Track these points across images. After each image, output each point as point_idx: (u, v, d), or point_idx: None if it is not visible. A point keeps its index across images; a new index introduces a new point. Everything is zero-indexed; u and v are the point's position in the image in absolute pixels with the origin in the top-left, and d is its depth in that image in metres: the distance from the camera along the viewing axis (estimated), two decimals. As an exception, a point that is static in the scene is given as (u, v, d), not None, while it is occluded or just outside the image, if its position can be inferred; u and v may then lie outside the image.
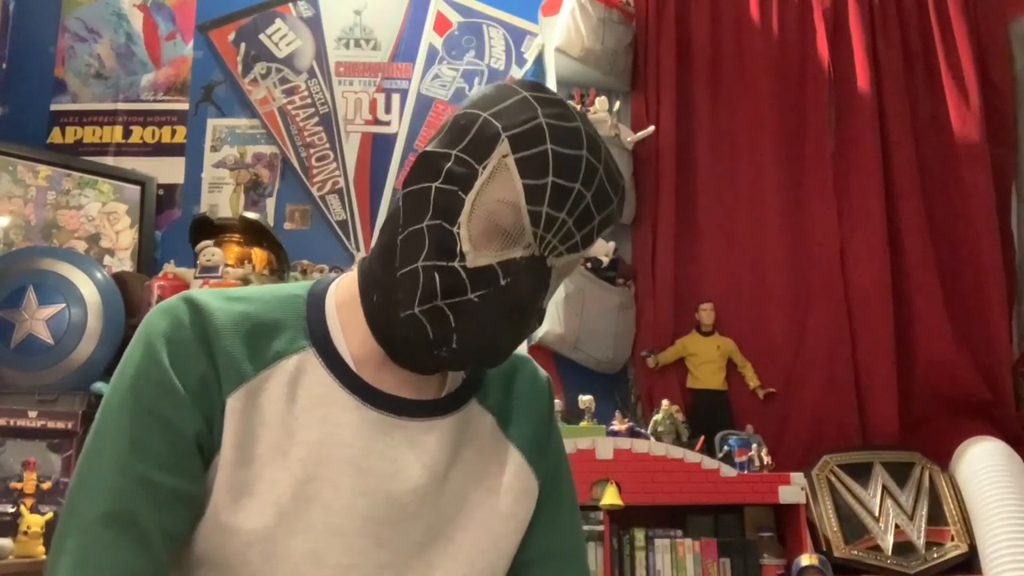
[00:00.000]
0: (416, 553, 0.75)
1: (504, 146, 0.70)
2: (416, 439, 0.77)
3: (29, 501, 1.82)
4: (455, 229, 0.71)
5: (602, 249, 2.47)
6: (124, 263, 2.49)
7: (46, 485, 1.87)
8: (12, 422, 1.91)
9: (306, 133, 2.68)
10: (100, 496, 0.67)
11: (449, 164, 0.72)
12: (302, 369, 0.75)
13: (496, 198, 0.70)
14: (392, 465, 0.75)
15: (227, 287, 2.03)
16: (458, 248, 0.70)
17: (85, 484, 0.69)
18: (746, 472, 2.09)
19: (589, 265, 2.42)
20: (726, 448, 2.18)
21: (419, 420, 0.78)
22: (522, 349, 2.47)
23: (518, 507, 0.82)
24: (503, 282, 0.70)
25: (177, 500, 0.69)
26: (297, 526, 0.70)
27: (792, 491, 2.06)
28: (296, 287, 0.82)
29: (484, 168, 0.71)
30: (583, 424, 2.22)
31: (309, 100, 2.71)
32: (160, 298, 2.05)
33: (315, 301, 0.80)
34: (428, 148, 0.75)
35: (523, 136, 0.70)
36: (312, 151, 2.66)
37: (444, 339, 0.71)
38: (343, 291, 0.80)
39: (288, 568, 0.69)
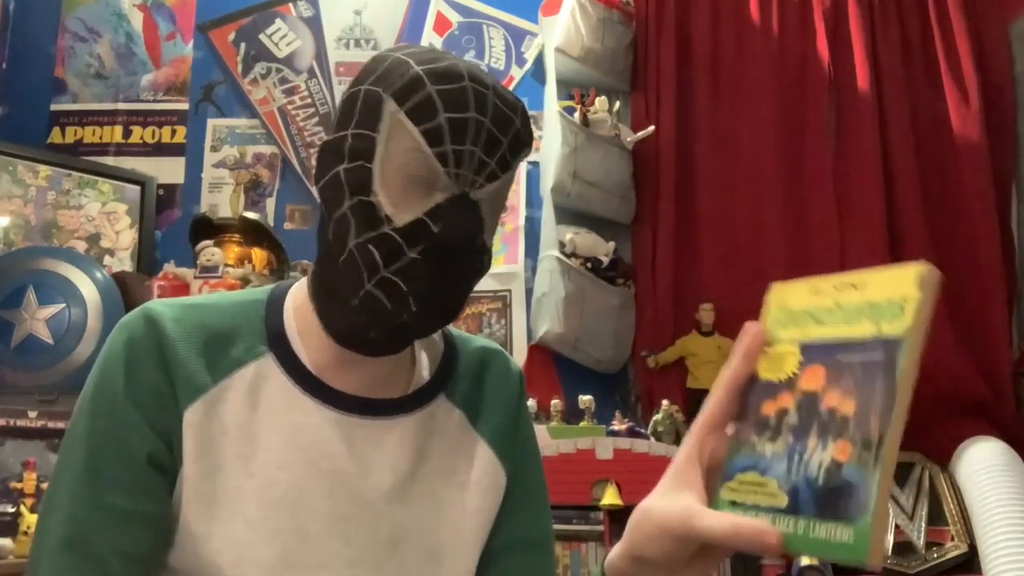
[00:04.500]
0: (386, 551, 0.75)
1: (391, 104, 0.71)
2: (379, 438, 0.77)
3: (29, 501, 1.82)
4: (372, 198, 0.70)
5: (602, 249, 2.47)
6: (124, 263, 2.48)
7: (46, 485, 1.87)
8: (12, 422, 1.91)
9: (306, 133, 2.68)
10: (59, 522, 0.69)
11: (348, 144, 0.73)
12: (261, 376, 0.76)
13: (400, 153, 0.70)
14: (356, 465, 0.75)
15: (225, 287, 2.04)
16: (382, 214, 0.70)
17: (48, 511, 0.71)
18: (746, 472, 2.09)
19: (589, 265, 2.43)
20: (726, 448, 2.18)
21: (382, 419, 0.78)
22: (521, 348, 2.48)
23: (486, 501, 0.81)
24: (435, 230, 0.69)
25: (135, 521, 0.70)
26: (264, 531, 0.71)
27: (792, 491, 2.06)
28: (258, 292, 0.82)
29: (380, 132, 0.71)
30: (583, 424, 2.22)
31: (309, 100, 2.71)
32: (160, 299, 2.05)
33: (274, 306, 0.80)
34: (326, 139, 0.76)
35: (404, 89, 0.70)
36: (312, 151, 2.66)
37: (401, 305, 0.71)
38: (302, 294, 0.80)
39: (258, 572, 0.70)
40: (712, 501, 0.53)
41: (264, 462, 0.73)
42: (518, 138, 0.73)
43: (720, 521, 0.50)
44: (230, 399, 0.74)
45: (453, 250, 0.70)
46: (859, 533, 0.45)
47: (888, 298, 0.49)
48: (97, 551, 0.68)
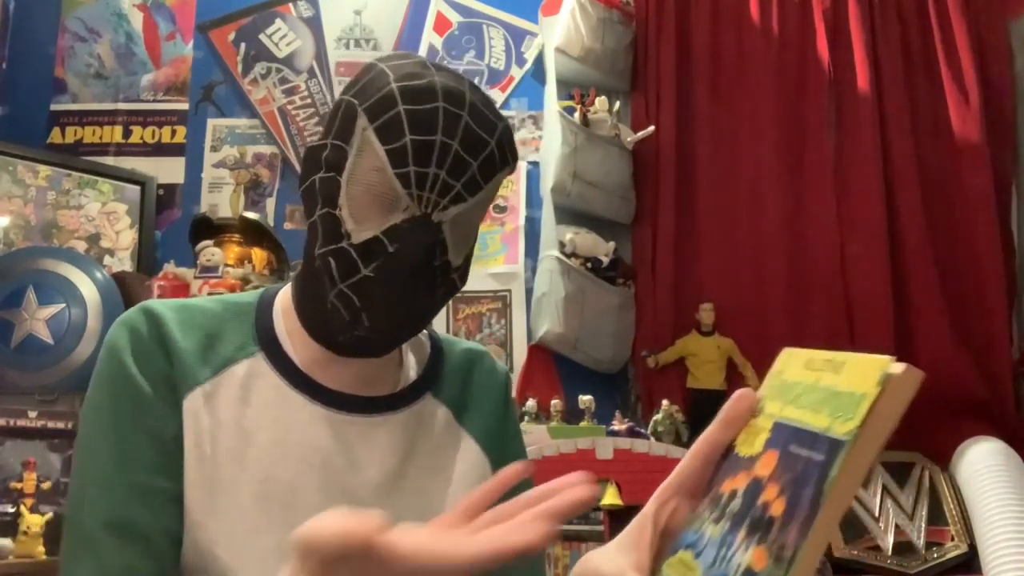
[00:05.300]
0: None
1: (362, 120, 0.72)
2: (367, 434, 0.79)
3: (29, 501, 1.82)
4: (337, 211, 0.72)
5: (602, 249, 2.47)
6: (124, 263, 2.48)
7: (46, 485, 1.87)
8: (12, 422, 1.91)
9: (306, 133, 2.68)
10: (95, 511, 0.70)
11: (326, 153, 0.74)
12: (252, 373, 0.78)
13: (366, 171, 0.71)
14: (346, 460, 0.77)
15: (225, 287, 2.04)
16: (343, 228, 0.72)
17: (83, 502, 0.72)
18: (746, 472, 2.08)
19: (589, 265, 2.43)
20: (726, 448, 2.18)
21: (370, 416, 0.80)
22: (521, 348, 2.48)
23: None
24: (391, 249, 0.70)
25: (171, 501, 0.72)
26: (259, 524, 0.72)
27: (792, 491, 2.06)
28: (249, 295, 0.85)
29: (351, 146, 0.72)
30: (583, 424, 2.22)
31: (309, 100, 2.71)
32: (160, 298, 2.05)
33: (264, 307, 0.82)
34: (310, 143, 0.78)
35: (376, 105, 0.71)
36: (312, 151, 2.65)
37: (356, 319, 0.72)
38: (287, 298, 0.83)
39: (255, 564, 0.71)
40: (657, 570, 0.50)
41: (257, 457, 0.75)
42: (491, 160, 0.73)
43: None
44: (223, 395, 0.76)
45: (408, 270, 0.71)
46: None
47: (850, 389, 0.43)
48: (143, 531, 0.70)
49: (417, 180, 0.70)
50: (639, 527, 0.52)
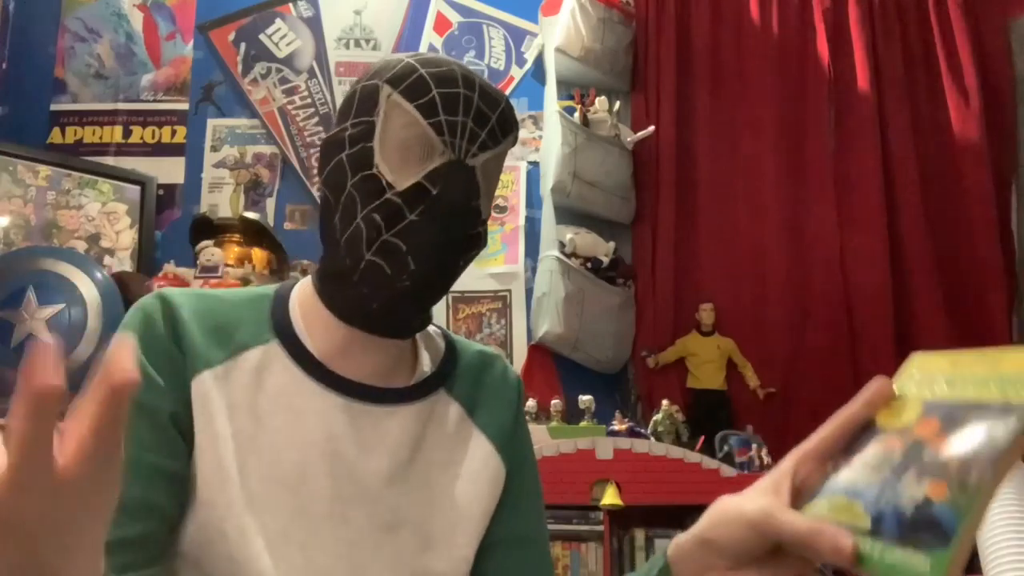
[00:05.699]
0: (383, 534, 0.77)
1: (386, 89, 0.77)
2: (379, 423, 0.80)
3: (29, 501, 1.82)
4: (374, 170, 0.76)
5: (602, 249, 2.47)
6: (124, 263, 2.49)
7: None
8: (12, 422, 1.91)
9: (306, 133, 2.68)
10: None
11: (348, 133, 0.78)
12: (267, 360, 0.79)
13: (397, 129, 0.76)
14: (357, 449, 0.78)
15: (227, 287, 2.03)
16: (384, 182, 0.75)
17: None
18: (746, 472, 2.09)
19: (589, 265, 2.43)
20: (726, 448, 2.18)
21: (383, 406, 0.80)
22: (521, 348, 2.48)
23: (484, 492, 0.84)
24: (434, 191, 0.74)
25: (160, 476, 0.72)
26: (266, 506, 0.74)
27: (792, 491, 2.06)
28: (264, 288, 0.86)
29: (378, 115, 0.77)
30: (583, 424, 2.22)
31: (309, 100, 2.71)
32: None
33: (280, 299, 0.84)
34: (326, 136, 0.81)
35: (398, 74, 0.77)
36: (312, 151, 2.66)
37: (401, 267, 0.75)
38: (306, 288, 0.84)
39: (260, 544, 0.72)
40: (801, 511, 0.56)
41: (268, 442, 0.76)
42: (505, 118, 0.79)
43: (802, 520, 0.52)
44: (236, 378, 0.77)
45: (451, 211, 0.75)
46: (936, 563, 0.45)
47: (1021, 372, 0.50)
48: (127, 504, 0.69)
49: (449, 127, 0.75)
50: (777, 479, 0.57)
